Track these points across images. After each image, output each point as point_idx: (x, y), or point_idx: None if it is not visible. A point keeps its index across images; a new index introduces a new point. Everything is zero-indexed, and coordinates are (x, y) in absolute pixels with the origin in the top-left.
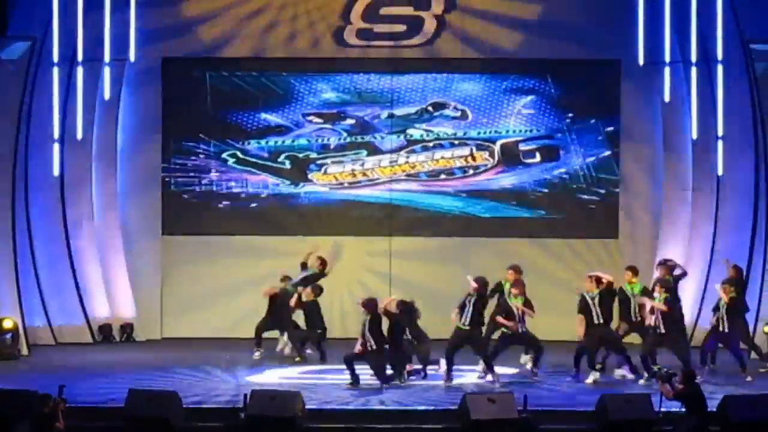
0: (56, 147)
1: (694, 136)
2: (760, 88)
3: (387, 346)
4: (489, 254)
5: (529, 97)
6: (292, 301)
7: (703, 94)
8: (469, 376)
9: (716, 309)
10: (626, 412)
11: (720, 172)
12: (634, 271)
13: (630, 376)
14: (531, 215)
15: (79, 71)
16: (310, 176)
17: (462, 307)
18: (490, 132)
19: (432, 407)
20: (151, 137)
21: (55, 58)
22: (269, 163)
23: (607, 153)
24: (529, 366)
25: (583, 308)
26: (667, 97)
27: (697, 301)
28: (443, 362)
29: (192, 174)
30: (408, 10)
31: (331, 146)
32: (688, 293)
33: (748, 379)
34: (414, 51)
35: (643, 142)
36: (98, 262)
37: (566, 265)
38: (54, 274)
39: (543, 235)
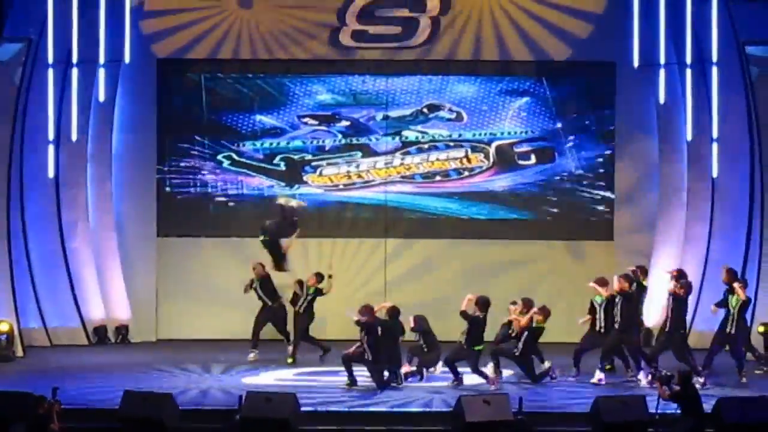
0: (51, 148)
1: (689, 137)
2: (755, 90)
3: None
4: (484, 256)
5: (525, 99)
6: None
7: (698, 96)
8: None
9: (720, 305)
10: (621, 413)
11: (715, 174)
12: (643, 271)
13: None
14: (526, 217)
15: (74, 72)
16: (305, 178)
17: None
18: (486, 134)
19: (427, 409)
20: (146, 139)
21: (50, 59)
22: (264, 165)
23: (602, 155)
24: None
25: (590, 312)
26: (662, 99)
27: (691, 303)
28: (439, 364)
29: (187, 175)
30: (403, 12)
31: (326, 148)
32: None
33: (743, 380)
34: (409, 53)
35: (638, 144)
36: (93, 263)
37: (562, 267)
38: (49, 275)
39: (538, 237)
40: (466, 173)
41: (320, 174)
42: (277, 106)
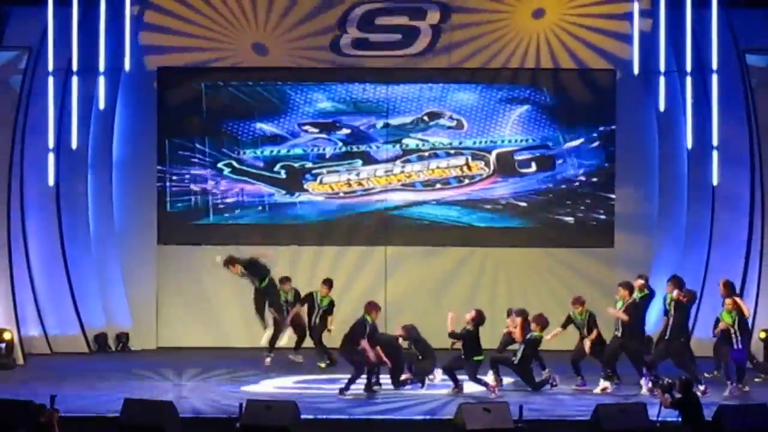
0: (51, 156)
1: (689, 145)
2: (755, 97)
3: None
4: (485, 264)
5: (525, 107)
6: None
7: (698, 104)
8: (468, 385)
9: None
10: (621, 421)
11: (715, 182)
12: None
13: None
14: (526, 225)
15: (75, 81)
16: (305, 186)
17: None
18: (486, 141)
19: (428, 417)
20: (146, 147)
21: (51, 67)
22: (265, 173)
23: (603, 162)
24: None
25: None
26: (662, 107)
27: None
28: (439, 372)
29: (188, 183)
30: (404, 20)
31: (327, 156)
32: None
33: (746, 389)
34: (410, 60)
35: (638, 152)
36: (94, 271)
37: (562, 274)
38: (49, 283)
39: (539, 244)
40: (467, 181)
41: (321, 182)
42: (277, 114)
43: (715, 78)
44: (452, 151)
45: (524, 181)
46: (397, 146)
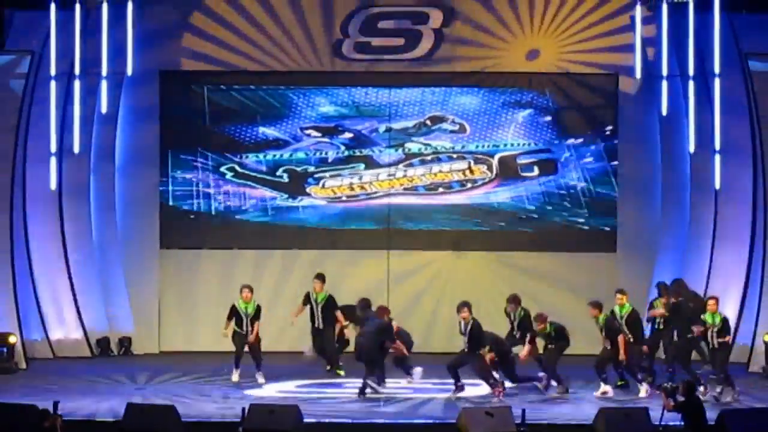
0: (53, 161)
1: (692, 149)
2: (758, 101)
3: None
4: (487, 268)
5: (527, 111)
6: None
7: (701, 108)
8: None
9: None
10: (624, 425)
11: (717, 185)
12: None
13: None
14: (529, 229)
15: (77, 85)
16: (308, 190)
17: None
18: (489, 146)
19: (430, 421)
20: (148, 151)
21: (53, 71)
22: (267, 177)
23: (605, 166)
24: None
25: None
26: (664, 111)
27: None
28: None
29: (190, 187)
30: (406, 24)
31: (329, 160)
32: None
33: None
34: (412, 64)
35: (640, 156)
36: (96, 275)
37: (564, 278)
38: (52, 287)
39: (541, 248)
40: (469, 185)
41: (323, 186)
42: (280, 118)
43: (717, 82)
44: (455, 155)
45: (527, 185)
46: (400, 150)
